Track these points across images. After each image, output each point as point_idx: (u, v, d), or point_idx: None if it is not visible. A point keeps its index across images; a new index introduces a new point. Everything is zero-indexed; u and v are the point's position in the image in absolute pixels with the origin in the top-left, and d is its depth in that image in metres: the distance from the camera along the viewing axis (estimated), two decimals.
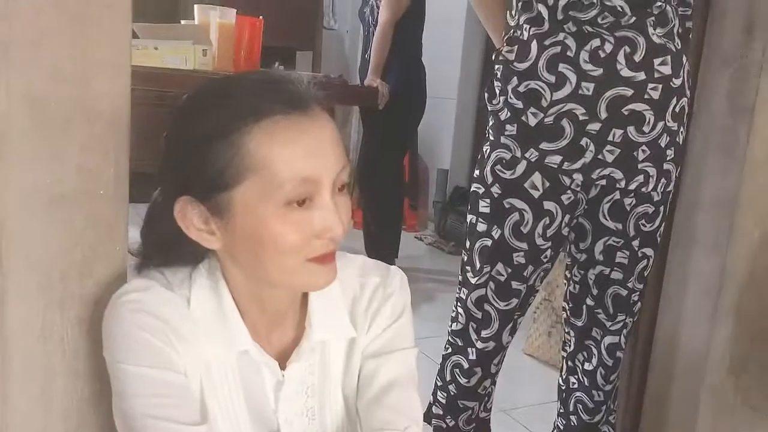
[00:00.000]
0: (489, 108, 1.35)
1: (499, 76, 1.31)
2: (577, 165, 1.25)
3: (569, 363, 1.48)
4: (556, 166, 1.25)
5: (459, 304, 1.41)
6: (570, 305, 1.44)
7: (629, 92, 1.20)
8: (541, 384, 2.26)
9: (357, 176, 3.28)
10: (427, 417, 1.48)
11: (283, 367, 0.80)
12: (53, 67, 0.71)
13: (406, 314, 0.85)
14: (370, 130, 3.31)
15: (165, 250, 0.77)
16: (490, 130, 1.34)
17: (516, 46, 1.27)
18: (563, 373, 1.50)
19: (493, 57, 1.34)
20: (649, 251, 1.34)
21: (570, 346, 1.47)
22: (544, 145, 1.25)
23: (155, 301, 0.73)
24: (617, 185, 1.27)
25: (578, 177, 1.26)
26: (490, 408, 1.49)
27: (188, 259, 0.77)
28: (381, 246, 3.23)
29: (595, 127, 1.22)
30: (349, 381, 0.84)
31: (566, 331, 1.48)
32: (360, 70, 3.39)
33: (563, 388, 1.50)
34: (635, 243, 1.32)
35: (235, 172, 0.67)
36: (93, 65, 0.73)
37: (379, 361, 0.83)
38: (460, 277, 1.41)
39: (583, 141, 1.23)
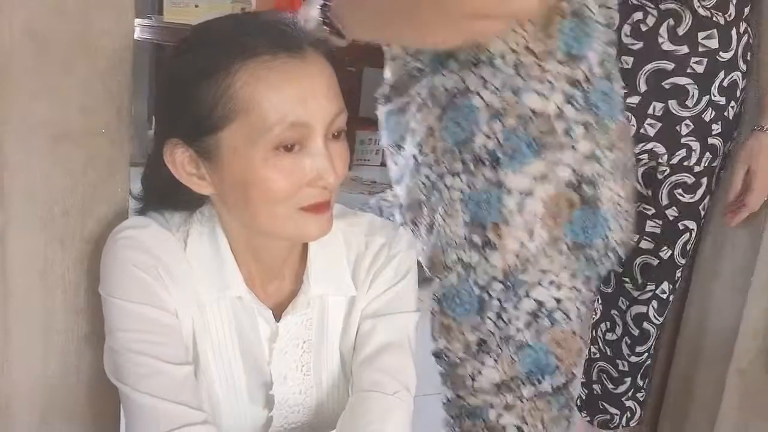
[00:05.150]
0: None
1: None
2: None
3: (592, 332, 1.46)
4: None
5: None
6: None
7: (670, 66, 1.19)
8: None
9: None
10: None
11: (279, 318, 0.79)
12: (55, 2, 0.70)
13: (410, 277, 0.83)
14: None
15: (162, 195, 0.76)
16: None
17: None
18: None
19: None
20: (690, 224, 1.31)
21: (596, 314, 1.45)
22: None
23: (151, 239, 0.73)
24: (659, 159, 1.24)
25: None
26: None
27: (185, 206, 0.77)
28: None
29: (634, 100, 1.21)
30: (347, 339, 0.82)
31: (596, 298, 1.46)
32: None
33: (585, 358, 1.48)
34: (670, 212, 1.28)
35: (221, 113, 0.66)
36: (95, 2, 0.72)
37: (376, 322, 0.81)
38: None
39: None
